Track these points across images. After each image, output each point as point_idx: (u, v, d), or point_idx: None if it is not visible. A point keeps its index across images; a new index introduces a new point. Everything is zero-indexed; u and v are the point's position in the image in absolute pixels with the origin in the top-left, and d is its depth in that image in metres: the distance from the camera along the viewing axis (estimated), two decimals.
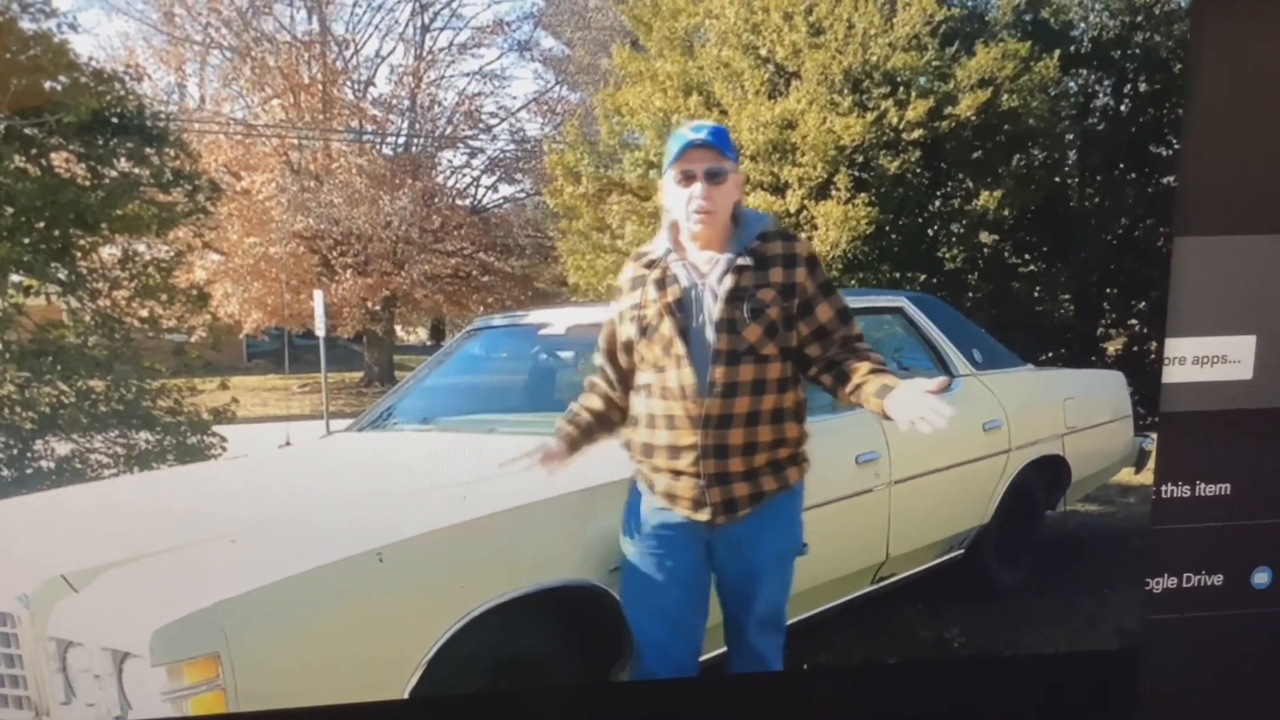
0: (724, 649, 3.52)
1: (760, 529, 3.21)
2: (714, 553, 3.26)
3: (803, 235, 7.80)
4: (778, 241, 3.17)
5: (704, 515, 3.16)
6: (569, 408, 3.43)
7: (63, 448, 6.73)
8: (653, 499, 3.23)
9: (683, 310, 3.11)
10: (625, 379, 3.33)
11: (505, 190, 10.73)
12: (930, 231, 8.14)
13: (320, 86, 9.41)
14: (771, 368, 3.12)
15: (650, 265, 3.21)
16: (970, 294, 8.18)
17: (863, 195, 7.64)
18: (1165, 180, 7.86)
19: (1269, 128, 3.44)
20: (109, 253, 7.18)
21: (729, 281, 3.09)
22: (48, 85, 6.63)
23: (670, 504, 3.19)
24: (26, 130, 6.49)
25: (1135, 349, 8.35)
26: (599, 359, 3.40)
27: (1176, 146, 3.54)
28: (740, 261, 3.10)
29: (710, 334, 3.09)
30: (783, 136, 7.74)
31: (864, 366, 3.09)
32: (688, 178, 3.08)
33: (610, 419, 3.39)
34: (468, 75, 10.17)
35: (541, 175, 9.88)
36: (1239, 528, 3.71)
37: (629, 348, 3.25)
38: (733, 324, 3.07)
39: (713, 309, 3.10)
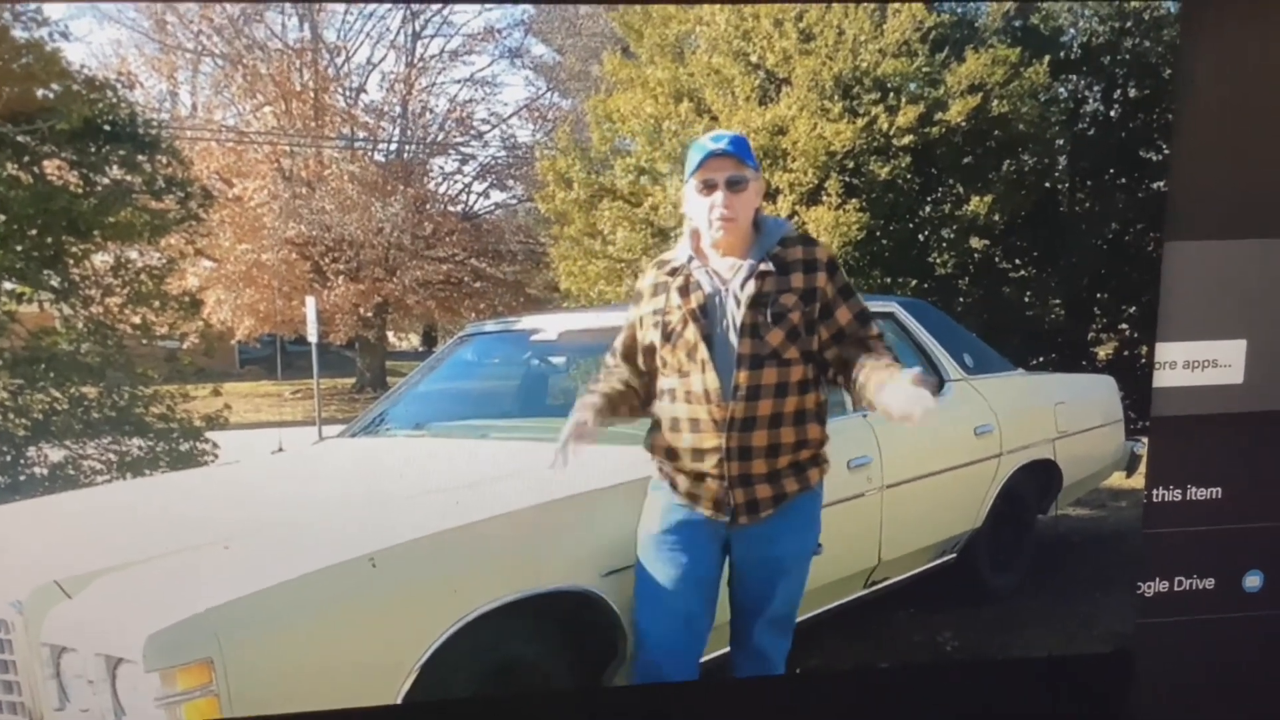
0: (723, 650, 3.53)
1: (781, 529, 3.26)
2: (732, 551, 3.31)
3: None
4: (798, 246, 3.23)
5: (726, 516, 3.22)
6: (588, 388, 3.43)
7: (56, 454, 6.72)
8: (674, 498, 3.28)
9: (706, 316, 3.18)
10: (641, 378, 3.37)
11: (497, 196, 10.71)
12: (921, 237, 8.14)
13: (312, 93, 9.40)
14: (794, 371, 3.17)
15: (673, 273, 3.27)
16: (961, 299, 8.18)
17: (853, 201, 7.64)
18: (1155, 185, 7.86)
19: (1258, 133, 3.45)
20: (101, 260, 7.17)
21: (751, 287, 3.14)
22: (40, 93, 6.63)
23: (692, 504, 3.25)
24: (19, 138, 6.49)
25: (1126, 353, 8.34)
26: (613, 360, 3.42)
27: (1166, 152, 3.55)
28: (763, 267, 3.16)
29: (734, 339, 3.15)
30: (773, 142, 7.74)
31: (867, 365, 3.13)
32: (709, 186, 3.14)
33: (630, 400, 3.40)
34: (459, 82, 10.16)
35: (533, 181, 9.87)
36: (1230, 531, 3.73)
37: (650, 352, 3.30)
38: (756, 329, 3.13)
39: (736, 314, 3.15)
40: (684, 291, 3.22)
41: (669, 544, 3.30)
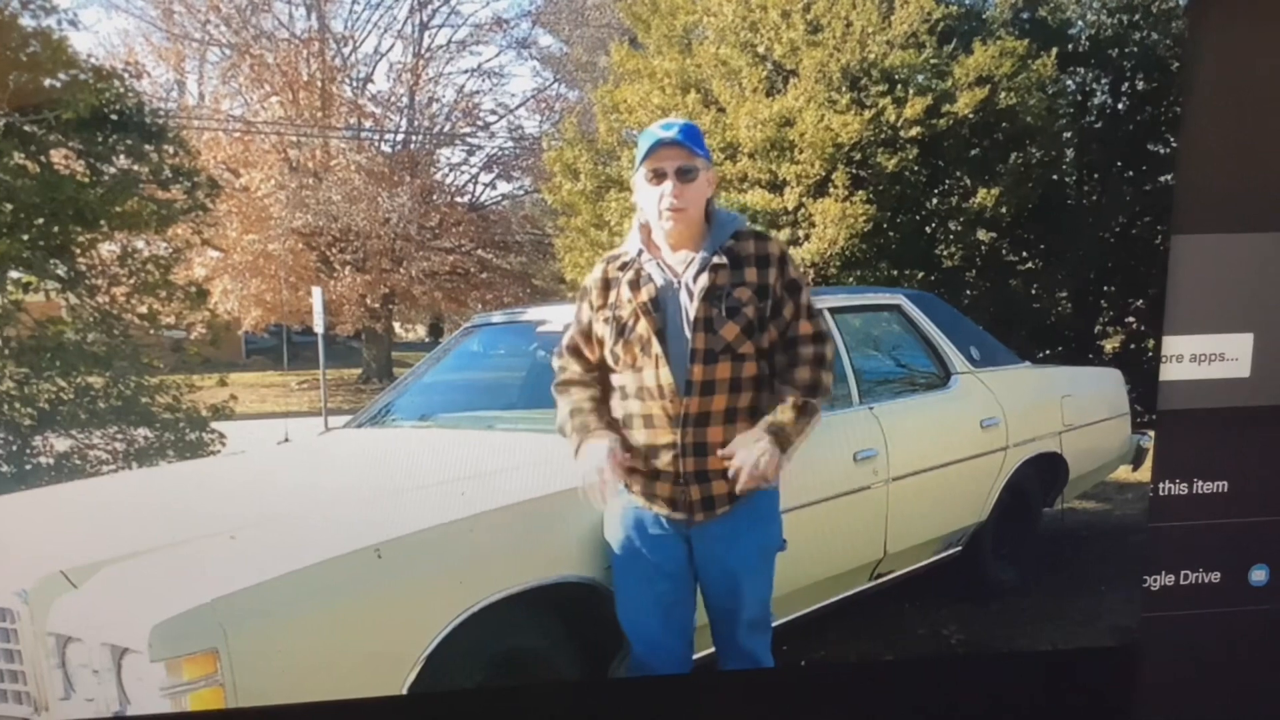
0: (710, 650, 3.52)
1: (740, 526, 3.21)
2: (694, 552, 3.25)
3: (794, 234, 7.83)
4: (751, 241, 3.18)
5: (682, 514, 3.16)
6: (569, 411, 3.34)
7: (62, 444, 6.73)
8: (630, 499, 3.23)
9: (659, 309, 3.11)
10: (593, 374, 3.32)
11: (503, 187, 10.72)
12: (928, 229, 8.14)
13: (319, 84, 9.41)
14: (747, 366, 3.12)
15: (623, 267, 3.20)
16: (968, 291, 8.19)
17: (861, 193, 7.65)
18: (1163, 178, 7.86)
19: (1266, 126, 3.44)
20: (108, 249, 7.19)
21: (705, 280, 3.08)
22: (47, 82, 6.63)
23: (648, 503, 3.20)
24: (26, 127, 6.49)
25: (1133, 347, 8.34)
26: (560, 360, 3.38)
27: (1174, 144, 3.53)
28: (716, 260, 3.10)
29: (688, 332, 3.09)
30: (780, 134, 7.74)
31: (786, 401, 3.15)
32: (658, 176, 3.08)
33: (603, 405, 3.32)
34: (466, 72, 10.17)
35: (540, 172, 9.89)
36: (1236, 525, 3.72)
37: (600, 347, 3.23)
38: (710, 322, 3.07)
39: (689, 307, 3.09)
40: (635, 285, 3.17)
41: (633, 546, 3.27)
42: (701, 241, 3.16)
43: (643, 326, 3.12)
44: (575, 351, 3.35)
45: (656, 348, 3.10)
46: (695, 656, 3.47)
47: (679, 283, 3.13)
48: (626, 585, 3.32)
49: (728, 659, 3.43)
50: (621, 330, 3.16)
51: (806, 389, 3.15)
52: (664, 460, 3.15)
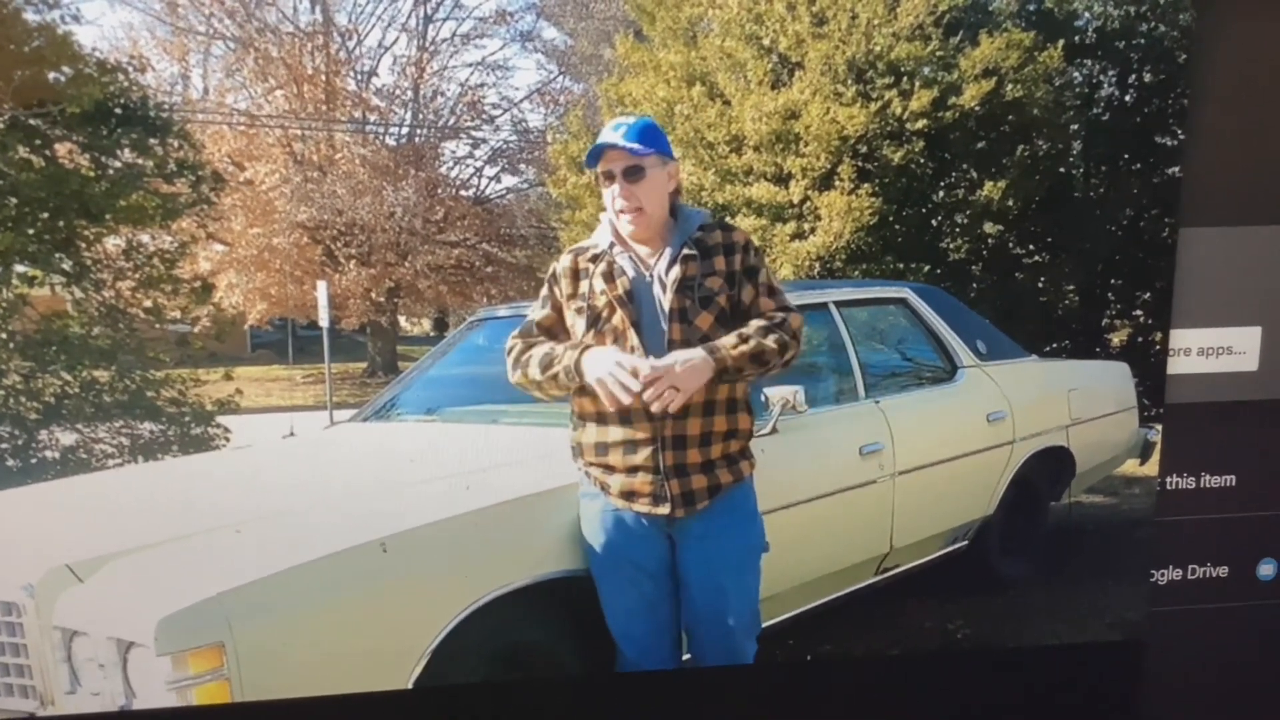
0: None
1: (722, 523, 3.17)
2: (677, 551, 3.22)
3: (799, 228, 7.83)
4: (717, 231, 3.17)
5: (664, 510, 3.11)
6: (543, 355, 3.16)
7: (67, 438, 6.75)
8: (609, 500, 3.20)
9: (633, 301, 3.09)
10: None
11: (508, 181, 10.75)
12: (934, 222, 8.14)
13: (323, 77, 9.42)
14: None
15: (594, 259, 3.17)
16: (974, 285, 8.18)
17: (866, 186, 7.64)
18: (1170, 171, 7.85)
19: (1274, 118, 3.42)
20: (113, 243, 7.21)
21: (677, 271, 3.06)
22: (51, 76, 6.64)
23: (629, 502, 3.16)
24: (31, 121, 6.50)
25: (1140, 340, 8.34)
26: (510, 342, 3.26)
27: (1181, 137, 3.52)
28: (686, 251, 3.08)
29: (663, 324, 3.07)
30: (786, 127, 7.74)
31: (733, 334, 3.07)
32: (608, 178, 3.07)
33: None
34: (470, 66, 10.19)
35: (544, 165, 9.90)
36: (1244, 519, 3.70)
37: (561, 335, 3.21)
38: (684, 313, 3.05)
39: (663, 299, 3.08)
40: (608, 277, 3.13)
41: (615, 548, 3.24)
42: (668, 235, 3.15)
43: (618, 318, 3.09)
44: (527, 336, 3.26)
45: (633, 339, 3.07)
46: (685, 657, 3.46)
47: (650, 275, 3.12)
48: (610, 589, 3.29)
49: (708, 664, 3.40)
50: (595, 321, 3.12)
51: (757, 330, 3.06)
52: (643, 455, 3.11)
